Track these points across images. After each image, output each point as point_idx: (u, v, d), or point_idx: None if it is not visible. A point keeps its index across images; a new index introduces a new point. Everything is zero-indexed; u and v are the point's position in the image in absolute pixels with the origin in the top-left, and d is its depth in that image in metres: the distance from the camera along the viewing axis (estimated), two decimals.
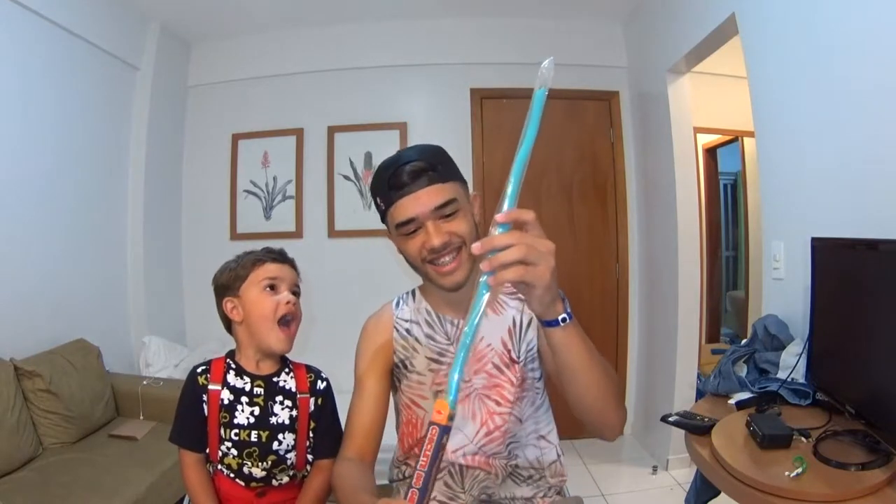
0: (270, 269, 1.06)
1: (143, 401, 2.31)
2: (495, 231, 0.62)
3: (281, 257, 1.09)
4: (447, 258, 0.91)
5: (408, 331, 1.03)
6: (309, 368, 1.13)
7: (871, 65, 1.34)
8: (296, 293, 1.09)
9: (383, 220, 0.97)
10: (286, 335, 1.05)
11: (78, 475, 1.79)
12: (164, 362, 2.69)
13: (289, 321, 1.06)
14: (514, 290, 1.04)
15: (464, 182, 0.98)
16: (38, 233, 2.28)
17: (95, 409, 2.19)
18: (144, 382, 2.38)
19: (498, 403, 0.98)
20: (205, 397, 1.04)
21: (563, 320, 0.71)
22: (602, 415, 0.83)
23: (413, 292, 1.08)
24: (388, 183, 0.91)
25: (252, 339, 1.06)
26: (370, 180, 0.96)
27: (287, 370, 1.11)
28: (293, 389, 1.08)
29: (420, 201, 0.90)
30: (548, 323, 0.71)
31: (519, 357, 1.00)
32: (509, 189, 0.62)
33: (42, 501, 1.63)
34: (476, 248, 0.62)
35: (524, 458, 1.02)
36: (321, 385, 1.11)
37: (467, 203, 0.96)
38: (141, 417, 2.30)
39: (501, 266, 0.61)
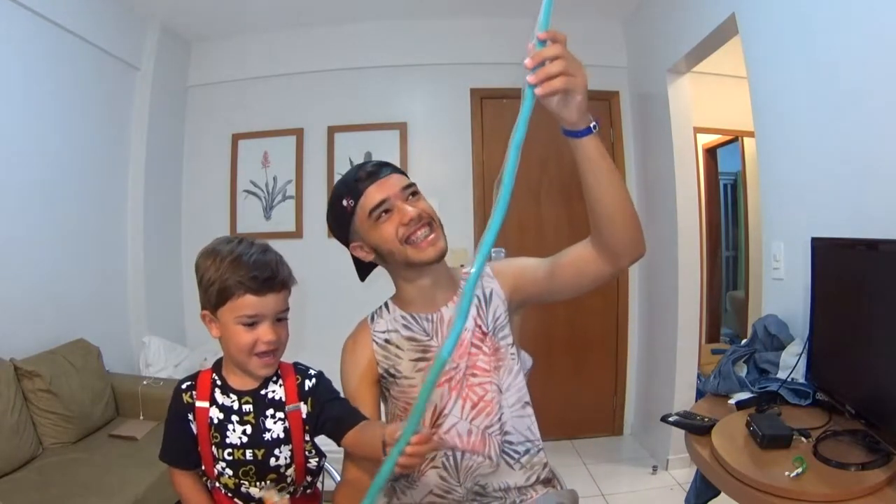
0: (249, 303, 0.91)
1: (143, 401, 2.31)
2: (535, 48, 0.69)
3: (265, 286, 0.91)
4: (424, 230, 0.98)
5: (387, 340, 1.06)
6: (297, 370, 1.03)
7: (871, 64, 1.34)
8: (282, 319, 0.97)
9: (347, 226, 1.02)
10: (266, 363, 0.95)
11: (78, 475, 1.79)
12: (164, 362, 2.69)
13: (270, 353, 0.95)
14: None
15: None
16: (38, 232, 2.28)
17: (95, 409, 2.19)
18: (144, 382, 2.38)
19: (474, 375, 1.01)
20: (191, 416, 0.98)
21: (594, 127, 0.79)
22: (634, 219, 0.89)
23: (385, 305, 1.11)
24: (356, 178, 0.99)
25: (232, 360, 0.98)
26: (330, 196, 1.06)
27: (274, 378, 1.01)
28: (283, 399, 0.99)
29: (388, 184, 0.98)
30: (581, 133, 0.79)
31: (488, 328, 1.03)
32: (542, 14, 0.71)
33: (42, 501, 1.63)
34: (528, 63, 0.70)
35: (515, 431, 1.03)
36: (309, 384, 1.01)
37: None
38: (141, 417, 2.30)
39: (548, 77, 0.70)
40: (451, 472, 1.01)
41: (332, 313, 2.96)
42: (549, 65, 0.70)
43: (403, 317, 1.06)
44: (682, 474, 2.52)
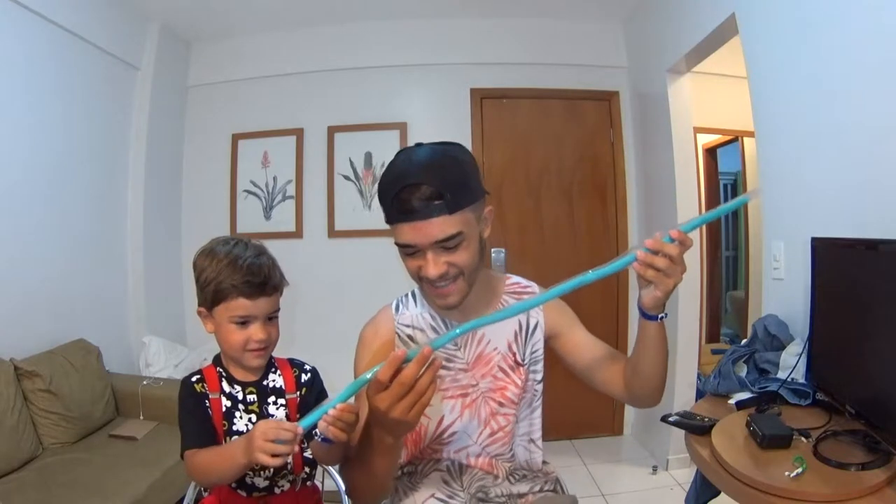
0: (242, 306, 0.96)
1: (143, 401, 2.31)
2: (663, 237, 0.78)
3: (258, 291, 0.97)
4: (443, 283, 0.89)
5: (410, 337, 1.00)
6: (292, 363, 1.09)
7: (870, 64, 1.34)
8: (273, 318, 1.02)
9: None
10: (258, 355, 1.00)
11: (78, 475, 1.79)
12: (164, 362, 2.69)
13: (261, 349, 1.00)
14: (521, 291, 1.05)
15: (479, 200, 0.90)
16: (39, 233, 2.28)
17: (95, 409, 2.19)
18: (144, 382, 2.38)
19: (501, 405, 0.99)
20: (207, 403, 1.01)
21: (662, 318, 0.86)
22: (661, 388, 0.96)
23: (413, 294, 1.05)
24: (392, 203, 0.85)
25: (226, 353, 1.04)
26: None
27: (273, 369, 1.07)
28: (283, 387, 1.06)
29: (422, 232, 0.84)
30: (651, 317, 0.85)
31: (524, 360, 1.01)
32: (694, 220, 0.81)
33: (42, 501, 1.63)
34: (649, 243, 0.77)
35: (516, 459, 1.03)
36: (305, 377, 1.08)
37: (476, 228, 0.90)
38: (141, 417, 2.30)
39: (649, 265, 0.77)
40: (455, 477, 1.00)
41: (332, 313, 2.97)
42: (658, 257, 0.77)
43: (433, 317, 1.01)
44: (682, 474, 2.52)
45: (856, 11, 1.38)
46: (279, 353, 1.13)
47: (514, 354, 1.00)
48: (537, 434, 1.05)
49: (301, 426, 0.77)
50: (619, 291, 3.10)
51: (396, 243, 0.89)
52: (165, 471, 1.90)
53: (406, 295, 1.06)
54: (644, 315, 0.86)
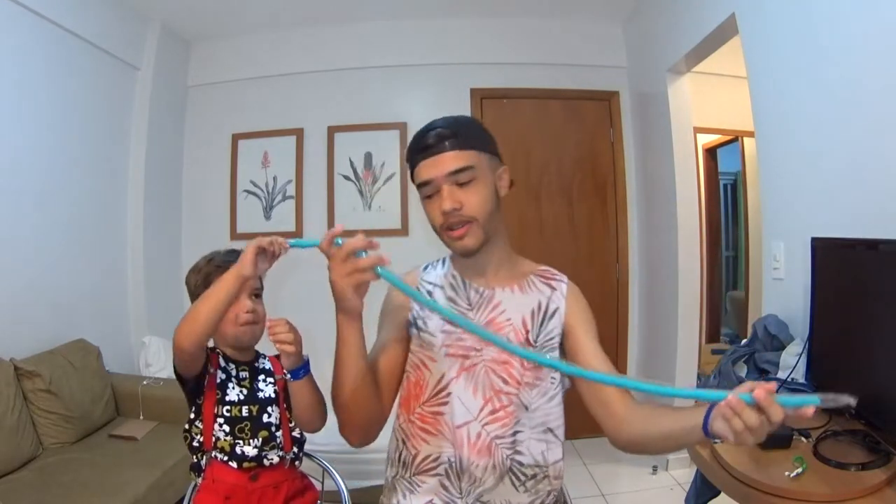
0: None
1: (143, 401, 2.31)
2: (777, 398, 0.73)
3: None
4: (457, 223, 0.95)
5: (429, 293, 1.04)
6: (279, 357, 1.16)
7: (870, 64, 1.34)
8: (257, 294, 1.18)
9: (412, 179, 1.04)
10: (249, 331, 1.16)
11: (78, 475, 1.79)
12: (164, 362, 2.69)
13: (251, 323, 1.16)
14: (550, 277, 1.07)
15: (491, 154, 1.00)
16: (39, 232, 2.28)
17: (95, 409, 2.19)
18: (144, 382, 2.38)
19: (505, 381, 0.98)
20: (210, 365, 1.12)
21: (716, 442, 0.89)
22: (644, 453, 1.05)
23: (444, 259, 1.10)
24: (416, 146, 0.98)
25: (223, 338, 1.17)
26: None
27: (263, 356, 1.25)
28: (272, 369, 1.23)
29: (437, 165, 0.94)
30: (711, 437, 0.80)
31: (536, 341, 1.01)
32: (795, 398, 0.75)
33: (42, 501, 1.63)
34: (761, 395, 0.72)
35: (528, 453, 0.99)
36: None
37: (489, 174, 0.98)
38: (141, 417, 2.30)
39: (737, 414, 0.72)
40: (454, 482, 0.98)
41: (333, 314, 2.97)
42: (751, 411, 0.72)
43: (454, 276, 1.05)
44: (682, 474, 2.52)
45: (856, 11, 1.38)
46: None
47: (528, 332, 1.00)
48: (555, 423, 1.03)
49: (288, 243, 0.95)
50: (619, 289, 3.10)
51: (418, 185, 0.99)
52: (165, 471, 1.90)
53: (438, 260, 1.12)
54: (707, 434, 0.80)
